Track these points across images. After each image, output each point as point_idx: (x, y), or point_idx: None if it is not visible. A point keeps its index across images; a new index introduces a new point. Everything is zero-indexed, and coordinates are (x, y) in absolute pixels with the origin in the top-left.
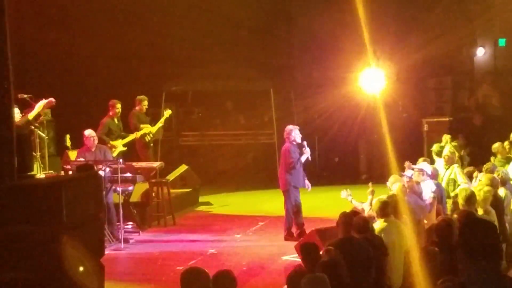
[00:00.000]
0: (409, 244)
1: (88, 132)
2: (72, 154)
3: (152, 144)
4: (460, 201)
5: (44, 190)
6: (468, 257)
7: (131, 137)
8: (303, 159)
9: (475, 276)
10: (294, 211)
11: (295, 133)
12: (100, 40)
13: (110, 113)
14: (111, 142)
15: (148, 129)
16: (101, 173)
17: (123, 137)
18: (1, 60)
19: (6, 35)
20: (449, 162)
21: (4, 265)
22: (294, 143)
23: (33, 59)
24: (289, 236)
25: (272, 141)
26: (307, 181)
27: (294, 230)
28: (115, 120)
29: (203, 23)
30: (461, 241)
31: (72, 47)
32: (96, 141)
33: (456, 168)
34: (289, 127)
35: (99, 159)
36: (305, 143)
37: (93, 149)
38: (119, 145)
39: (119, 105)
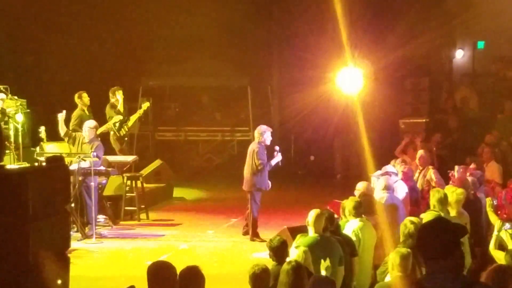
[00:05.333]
0: (385, 244)
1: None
2: (46, 146)
3: (126, 138)
4: (433, 202)
5: (10, 181)
6: (424, 257)
7: (102, 128)
8: (273, 162)
9: (432, 275)
10: (258, 212)
11: (267, 135)
12: (78, 34)
13: (79, 104)
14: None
15: (118, 119)
16: (74, 166)
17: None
18: None
19: None
20: (424, 163)
21: None
22: (263, 144)
23: (10, 52)
24: (255, 237)
25: (248, 138)
26: (269, 182)
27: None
28: (86, 111)
29: (182, 20)
30: (418, 241)
31: (50, 41)
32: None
33: (430, 169)
34: (263, 127)
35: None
36: (277, 148)
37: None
38: None
39: (85, 94)
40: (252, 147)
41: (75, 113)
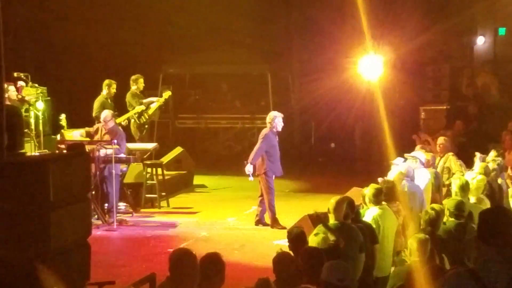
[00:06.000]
0: (406, 231)
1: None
2: (67, 134)
3: (147, 126)
4: (455, 189)
5: (31, 168)
6: (482, 244)
7: (124, 116)
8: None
9: (487, 263)
10: (273, 198)
11: (278, 120)
12: (98, 22)
13: (105, 92)
14: None
15: (141, 109)
16: (96, 153)
17: (116, 117)
18: None
19: None
20: (444, 150)
21: None
22: (274, 130)
23: (31, 41)
24: (275, 224)
25: None
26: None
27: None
28: (109, 100)
29: (202, 8)
30: (479, 226)
31: (71, 29)
32: (107, 124)
33: (451, 156)
34: (273, 113)
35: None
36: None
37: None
38: None
39: (114, 85)
40: (264, 132)
41: (99, 100)
